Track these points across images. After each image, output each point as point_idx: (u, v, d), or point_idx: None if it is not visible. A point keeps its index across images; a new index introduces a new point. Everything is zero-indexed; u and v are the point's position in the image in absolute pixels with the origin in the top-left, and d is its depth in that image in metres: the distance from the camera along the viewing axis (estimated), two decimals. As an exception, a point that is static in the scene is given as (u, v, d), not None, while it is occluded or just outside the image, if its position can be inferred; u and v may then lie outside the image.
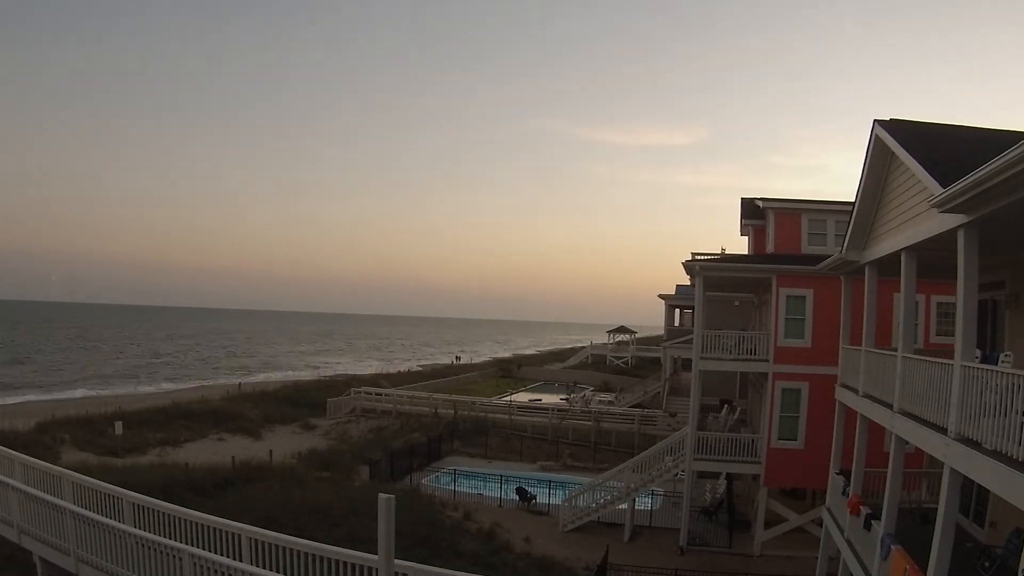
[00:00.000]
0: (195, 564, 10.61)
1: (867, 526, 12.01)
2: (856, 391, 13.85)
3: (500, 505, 24.38)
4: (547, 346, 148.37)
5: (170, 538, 11.72)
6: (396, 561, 9.02)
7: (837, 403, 15.86)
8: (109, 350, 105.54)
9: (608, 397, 53.94)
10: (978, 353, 9.13)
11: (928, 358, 10.00)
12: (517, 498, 24.70)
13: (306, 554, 10.78)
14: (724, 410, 27.57)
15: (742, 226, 27.50)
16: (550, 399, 51.96)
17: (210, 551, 11.32)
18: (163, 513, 12.75)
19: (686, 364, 42.31)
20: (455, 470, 28.08)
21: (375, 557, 8.99)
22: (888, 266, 12.58)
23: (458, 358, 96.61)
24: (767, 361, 20.55)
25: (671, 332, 51.60)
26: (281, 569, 10.97)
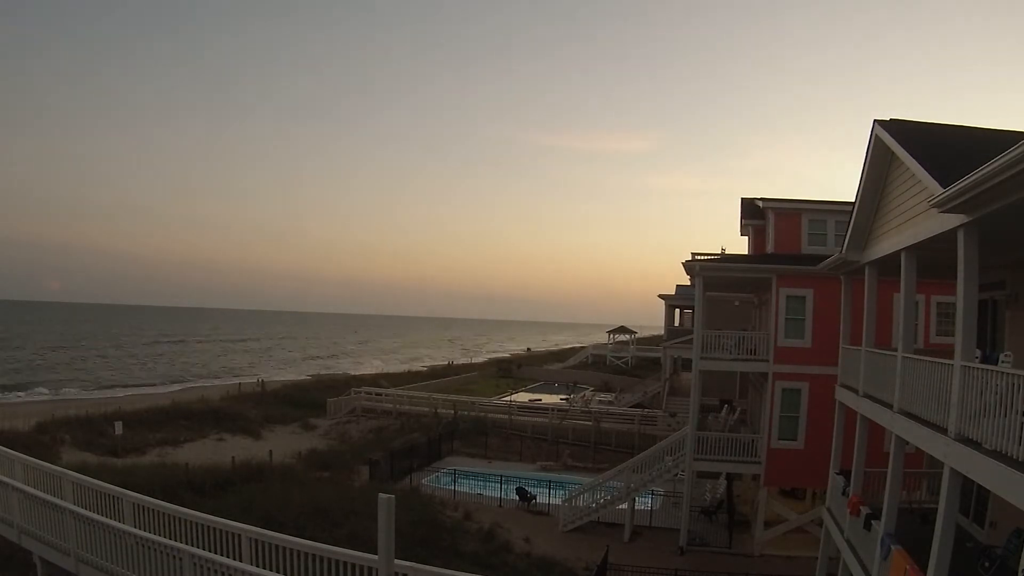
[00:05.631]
0: (195, 564, 10.61)
1: (867, 526, 12.00)
2: (856, 391, 13.85)
3: (500, 505, 24.38)
4: (546, 345, 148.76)
5: (170, 538, 11.72)
6: (396, 561, 9.03)
7: (837, 403, 15.85)
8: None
9: (608, 397, 53.92)
10: (978, 353, 9.12)
11: (928, 358, 9.99)
12: (517, 498, 24.70)
13: (306, 554, 10.79)
14: (724, 410, 27.59)
15: (742, 226, 27.50)
16: (550, 399, 51.94)
17: (210, 551, 11.32)
18: (163, 513, 12.76)
19: (686, 364, 42.34)
20: (455, 470, 28.07)
21: (375, 557, 9.00)
22: (888, 266, 12.58)
23: (451, 363, 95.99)
24: (767, 361, 20.55)
25: (671, 332, 51.63)
26: (281, 569, 10.98)
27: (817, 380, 19.19)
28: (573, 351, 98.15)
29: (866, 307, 13.79)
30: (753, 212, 25.66)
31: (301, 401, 46.40)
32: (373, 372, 73.99)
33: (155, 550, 11.11)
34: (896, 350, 11.31)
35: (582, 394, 54.50)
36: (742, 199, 27.23)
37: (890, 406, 11.30)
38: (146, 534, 11.63)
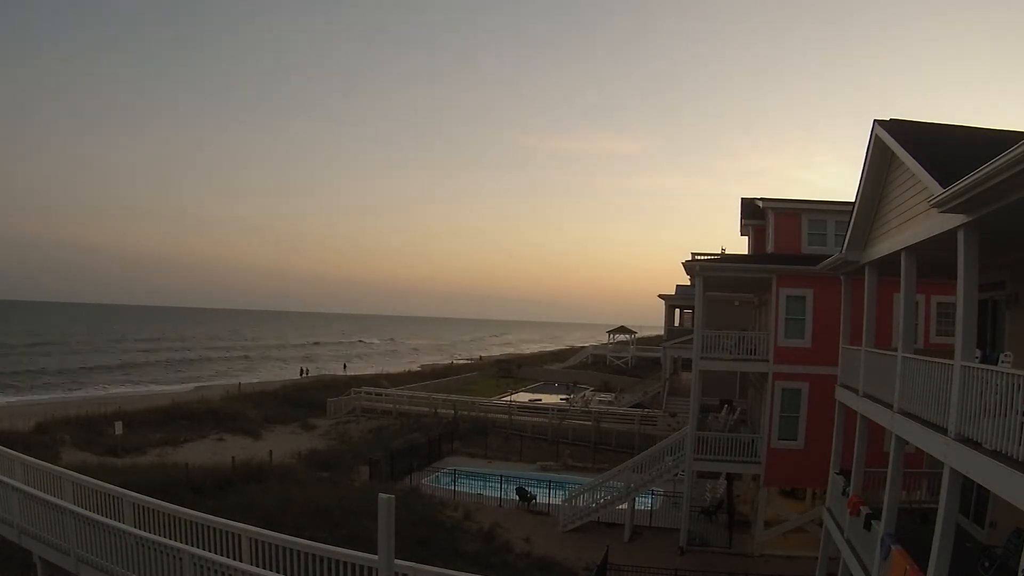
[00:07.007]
0: (195, 564, 10.61)
1: (867, 526, 12.00)
2: (856, 391, 13.85)
3: (500, 505, 24.38)
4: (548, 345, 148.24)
5: (170, 538, 11.73)
6: (396, 561, 9.02)
7: (837, 403, 15.85)
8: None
9: (608, 397, 53.92)
10: (978, 353, 9.12)
11: (928, 358, 9.99)
12: (517, 498, 24.69)
13: (306, 554, 10.79)
14: (724, 410, 27.57)
15: (742, 226, 27.49)
16: (550, 399, 51.95)
17: (210, 551, 11.33)
18: (163, 513, 12.77)
19: (686, 364, 42.32)
20: (455, 470, 28.08)
21: (375, 557, 9.00)
22: (888, 266, 12.58)
23: (452, 363, 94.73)
24: (767, 361, 20.55)
25: (671, 332, 51.63)
26: (281, 569, 10.98)
27: (817, 380, 19.18)
28: (573, 351, 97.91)
29: (866, 307, 13.78)
30: (753, 212, 25.65)
31: (301, 401, 46.39)
32: (373, 372, 74.01)
33: (155, 550, 11.12)
34: (896, 350, 11.31)
35: (582, 394, 54.50)
36: (742, 199, 27.24)
37: (890, 406, 11.30)
38: (146, 534, 11.64)
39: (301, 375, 72.66)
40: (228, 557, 11.13)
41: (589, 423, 38.10)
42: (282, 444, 33.67)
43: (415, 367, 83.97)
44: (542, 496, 24.53)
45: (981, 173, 7.27)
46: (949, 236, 9.05)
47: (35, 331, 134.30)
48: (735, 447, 21.42)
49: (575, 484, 24.89)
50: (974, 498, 12.27)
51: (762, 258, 23.51)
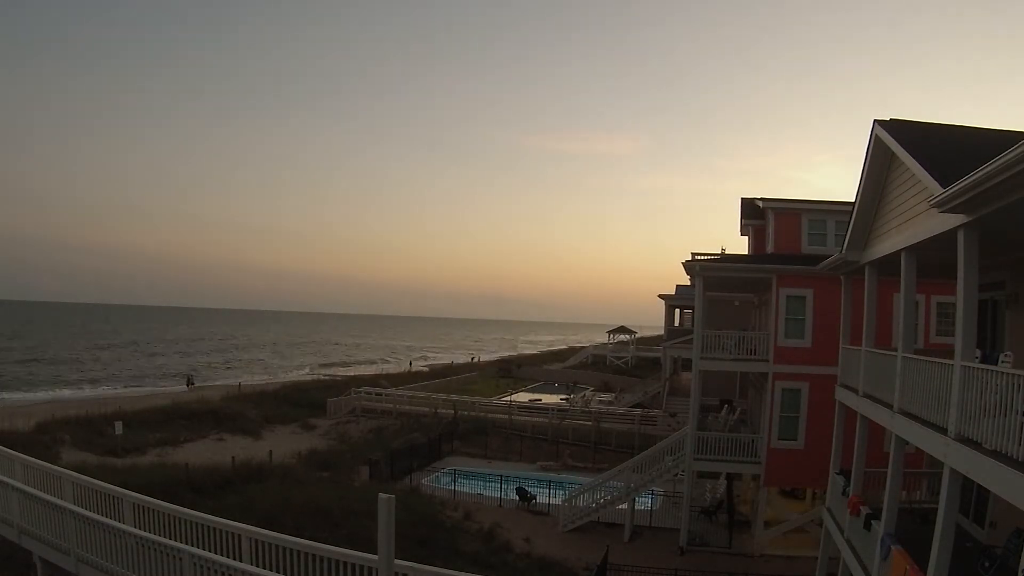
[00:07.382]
0: (195, 564, 10.62)
1: (867, 526, 12.00)
2: (856, 391, 13.85)
3: (500, 505, 24.38)
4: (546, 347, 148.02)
5: (170, 538, 11.74)
6: (396, 561, 9.03)
7: (837, 403, 15.85)
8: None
9: (608, 397, 53.93)
10: (978, 353, 9.12)
11: (928, 358, 9.99)
12: (517, 498, 24.70)
13: (306, 554, 10.80)
14: (724, 410, 27.59)
15: (742, 226, 27.49)
16: (550, 399, 51.95)
17: (210, 551, 11.33)
18: (163, 513, 12.78)
19: (686, 364, 42.35)
20: (455, 470, 28.09)
21: (375, 557, 9.00)
22: (888, 266, 12.58)
23: (451, 363, 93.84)
24: (767, 361, 20.55)
25: (671, 332, 51.62)
26: (281, 569, 10.99)
27: (817, 380, 19.18)
28: (573, 351, 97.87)
29: (866, 307, 13.78)
30: (753, 212, 25.65)
31: (301, 401, 46.37)
32: (373, 372, 74.00)
33: (155, 550, 11.12)
34: (896, 350, 11.31)
35: (582, 394, 54.50)
36: (742, 199, 27.23)
37: (890, 406, 11.30)
38: (146, 534, 11.64)
39: (188, 385, 62.07)
40: (228, 557, 11.13)
41: (589, 423, 38.11)
42: (282, 444, 33.66)
43: (416, 367, 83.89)
44: (542, 496, 24.53)
45: (981, 173, 7.27)
46: (949, 236, 9.04)
47: (51, 332, 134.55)
48: (735, 447, 21.42)
49: (575, 484, 24.89)
50: (974, 498, 12.27)
51: (762, 258, 23.51)
